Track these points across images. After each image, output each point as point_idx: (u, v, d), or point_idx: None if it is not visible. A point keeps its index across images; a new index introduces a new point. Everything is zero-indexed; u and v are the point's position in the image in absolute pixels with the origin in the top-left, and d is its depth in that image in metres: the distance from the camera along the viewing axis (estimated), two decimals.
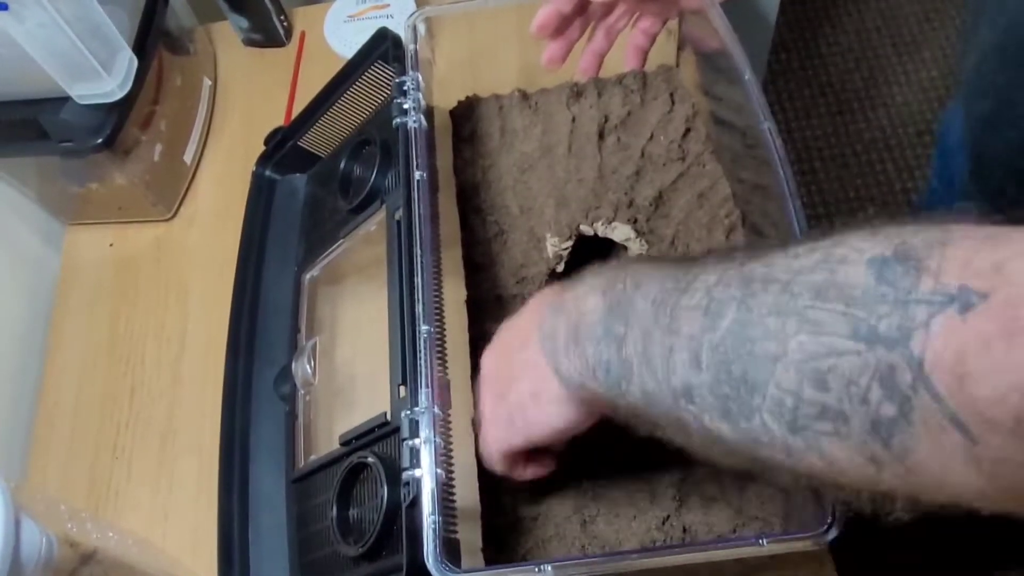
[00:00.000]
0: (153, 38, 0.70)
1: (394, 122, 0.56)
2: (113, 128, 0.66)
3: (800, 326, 0.28)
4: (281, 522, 0.57)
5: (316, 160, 0.71)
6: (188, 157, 0.78)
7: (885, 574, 1.20)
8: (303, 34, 0.87)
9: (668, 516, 0.52)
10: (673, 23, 0.68)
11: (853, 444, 0.27)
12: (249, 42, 0.87)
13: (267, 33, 0.85)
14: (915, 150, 1.58)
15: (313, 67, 0.85)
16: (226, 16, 0.84)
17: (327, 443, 0.56)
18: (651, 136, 0.66)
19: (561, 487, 0.55)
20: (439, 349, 0.48)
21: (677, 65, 0.69)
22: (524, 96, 0.70)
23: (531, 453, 0.48)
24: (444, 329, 0.49)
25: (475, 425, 0.49)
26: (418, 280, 0.49)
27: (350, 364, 0.59)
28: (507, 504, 0.54)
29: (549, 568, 0.43)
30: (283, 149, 0.70)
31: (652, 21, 0.64)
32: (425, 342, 0.47)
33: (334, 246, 0.62)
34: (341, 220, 0.62)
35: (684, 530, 0.52)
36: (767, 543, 0.43)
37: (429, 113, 0.58)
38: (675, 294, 0.34)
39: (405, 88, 0.56)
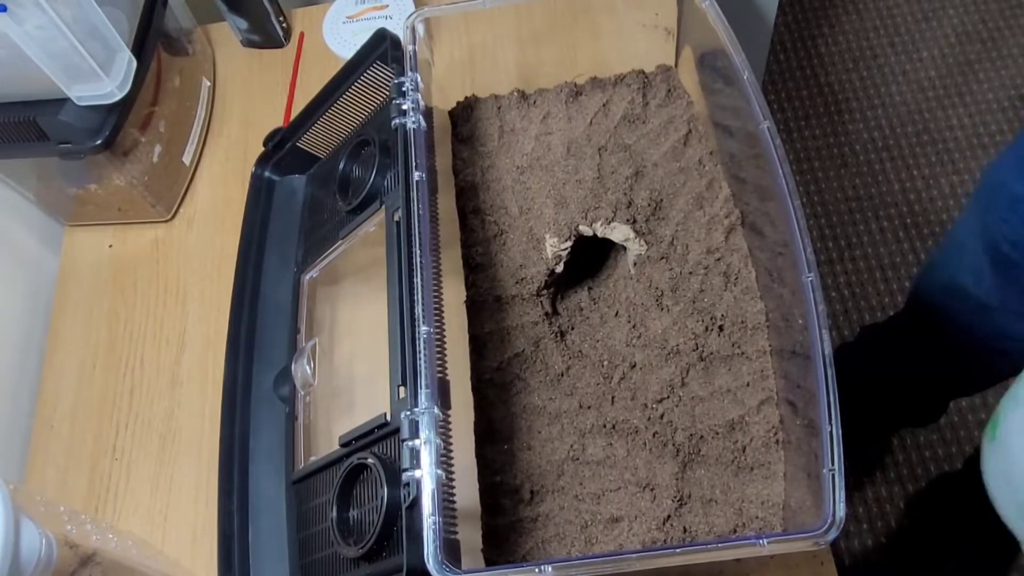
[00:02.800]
0: (152, 39, 0.70)
1: (393, 123, 0.56)
2: (112, 129, 0.66)
3: None
4: (281, 523, 0.57)
5: (315, 161, 0.71)
6: (187, 158, 0.78)
7: (885, 574, 1.20)
8: (302, 35, 0.87)
9: (668, 516, 0.52)
10: (673, 23, 0.68)
11: None
12: (248, 43, 0.86)
13: (266, 34, 0.85)
14: (913, 150, 1.58)
15: (312, 68, 0.85)
16: (225, 17, 0.84)
17: (327, 444, 0.56)
18: (650, 136, 0.66)
19: (561, 487, 0.55)
20: (439, 349, 0.48)
21: (676, 65, 0.69)
22: (523, 96, 0.70)
23: None
24: (444, 329, 0.49)
25: None
26: (418, 280, 0.49)
27: (350, 365, 0.59)
28: (507, 504, 0.54)
29: (549, 568, 0.42)
30: (282, 150, 0.70)
31: None
32: (425, 342, 0.47)
33: (333, 247, 0.62)
34: (340, 221, 0.62)
35: (684, 530, 0.52)
36: (767, 543, 0.43)
37: (428, 114, 0.58)
38: None
39: (404, 89, 0.56)
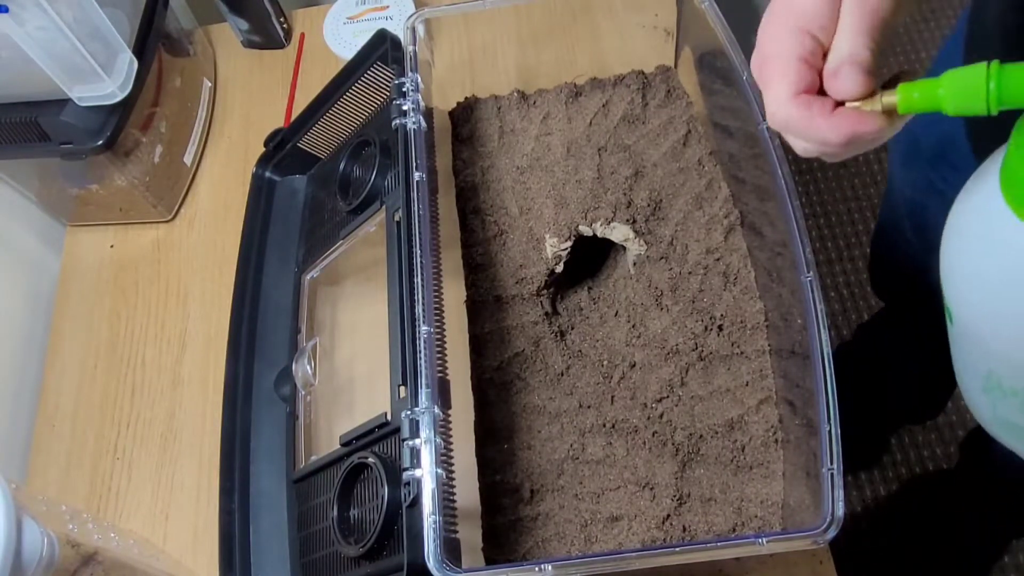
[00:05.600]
0: (153, 40, 0.70)
1: (393, 123, 0.56)
2: (113, 130, 0.66)
3: None
4: (282, 522, 0.57)
5: (316, 161, 0.71)
6: (188, 158, 0.79)
7: (884, 573, 1.20)
8: (302, 36, 0.87)
9: (668, 516, 0.53)
10: (672, 24, 0.68)
11: None
12: (249, 44, 0.87)
13: (266, 35, 0.85)
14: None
15: (312, 69, 0.85)
16: (225, 18, 0.84)
17: (327, 443, 0.56)
18: (650, 137, 0.66)
19: (561, 486, 0.55)
20: (439, 349, 0.48)
21: (675, 66, 0.69)
22: (523, 97, 0.70)
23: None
24: (444, 329, 0.49)
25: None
26: (418, 280, 0.49)
27: (350, 365, 0.59)
28: (507, 504, 0.55)
29: (549, 568, 0.43)
30: (283, 150, 0.71)
31: None
32: (425, 342, 0.47)
33: (334, 247, 0.62)
34: (341, 221, 0.62)
35: (684, 530, 0.52)
36: (767, 542, 0.43)
37: (428, 114, 0.58)
38: None
39: (404, 89, 0.57)
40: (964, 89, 0.31)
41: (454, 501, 0.44)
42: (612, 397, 0.58)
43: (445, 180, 0.66)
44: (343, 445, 0.52)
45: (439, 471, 0.43)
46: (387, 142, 0.59)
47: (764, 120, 0.53)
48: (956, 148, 0.61)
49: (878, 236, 0.94)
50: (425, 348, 0.47)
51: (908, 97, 0.34)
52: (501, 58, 0.76)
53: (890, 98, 0.35)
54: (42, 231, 0.78)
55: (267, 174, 0.72)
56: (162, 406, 0.69)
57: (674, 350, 0.58)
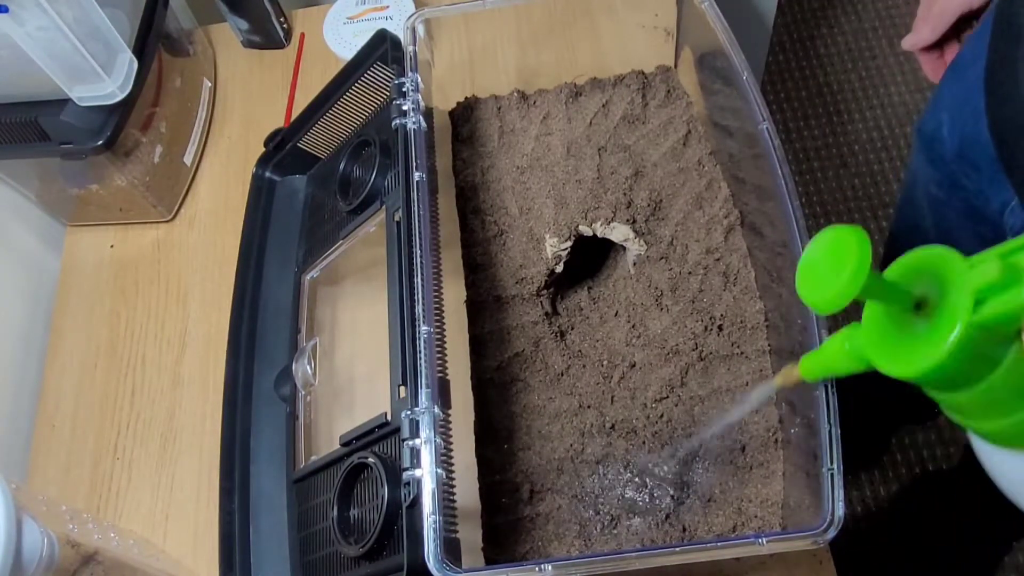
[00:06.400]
0: (153, 40, 0.70)
1: (393, 123, 0.56)
2: (113, 130, 0.66)
3: None
4: (282, 522, 0.57)
5: (316, 161, 0.71)
6: (188, 158, 0.79)
7: (884, 573, 1.20)
8: (302, 36, 0.87)
9: (668, 516, 0.53)
10: (672, 24, 0.68)
11: None
12: (249, 44, 0.87)
13: (267, 35, 0.85)
14: (912, 150, 1.58)
15: (312, 69, 0.85)
16: (225, 18, 0.84)
17: (328, 443, 0.56)
18: (650, 137, 0.66)
19: (561, 486, 0.55)
20: (439, 349, 0.48)
21: (675, 66, 0.69)
22: (523, 97, 0.70)
23: None
24: (444, 329, 0.49)
25: None
26: (418, 281, 0.49)
27: (350, 365, 0.59)
28: (507, 504, 0.55)
29: (549, 568, 0.43)
30: (283, 150, 0.71)
31: None
32: (425, 342, 0.47)
33: (334, 247, 0.62)
34: (341, 221, 0.62)
35: (684, 530, 0.52)
36: (766, 542, 0.43)
37: (428, 114, 0.58)
38: None
39: (404, 89, 0.57)
40: (833, 355, 0.40)
41: (454, 501, 0.44)
42: (612, 397, 0.58)
43: (445, 180, 0.66)
44: (343, 445, 0.52)
45: (439, 471, 0.43)
46: (387, 142, 0.59)
47: (764, 120, 0.53)
48: (977, 149, 0.62)
49: (894, 237, 0.94)
50: (425, 348, 0.47)
51: (806, 368, 0.42)
52: (501, 58, 0.76)
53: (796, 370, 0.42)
54: (42, 231, 0.78)
55: (267, 174, 0.72)
56: (162, 406, 0.69)
57: (674, 350, 0.58)
